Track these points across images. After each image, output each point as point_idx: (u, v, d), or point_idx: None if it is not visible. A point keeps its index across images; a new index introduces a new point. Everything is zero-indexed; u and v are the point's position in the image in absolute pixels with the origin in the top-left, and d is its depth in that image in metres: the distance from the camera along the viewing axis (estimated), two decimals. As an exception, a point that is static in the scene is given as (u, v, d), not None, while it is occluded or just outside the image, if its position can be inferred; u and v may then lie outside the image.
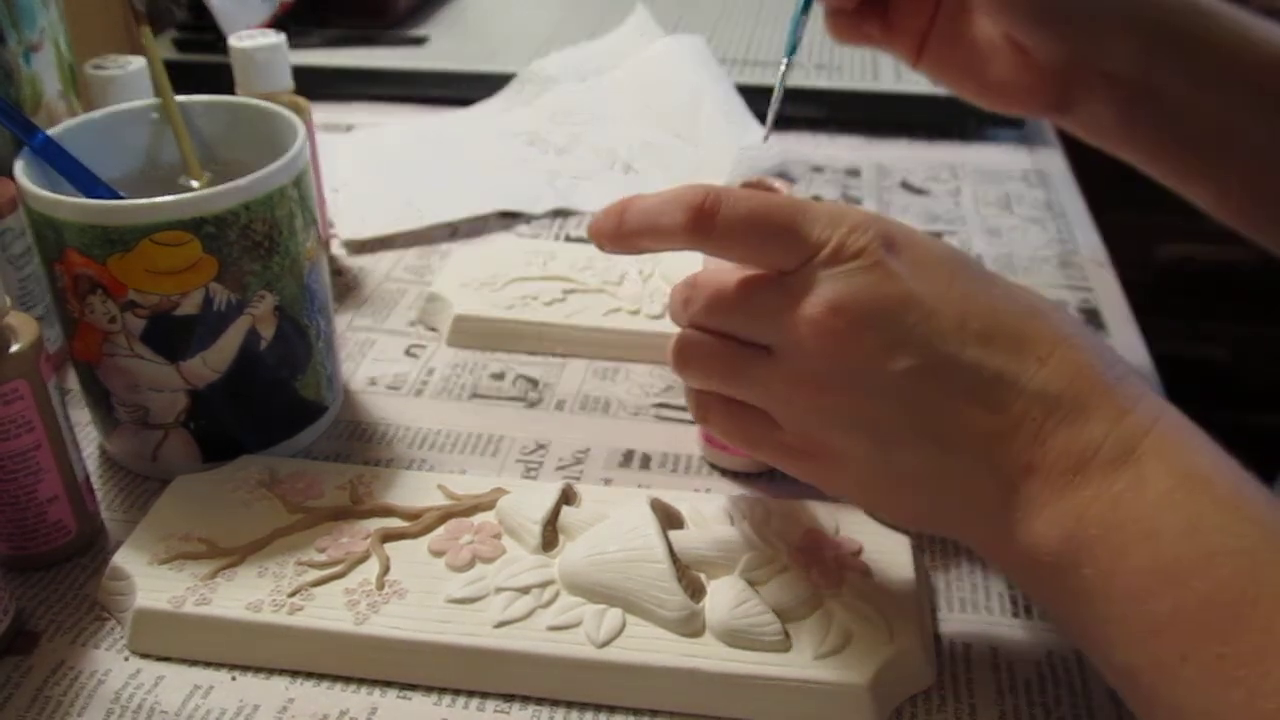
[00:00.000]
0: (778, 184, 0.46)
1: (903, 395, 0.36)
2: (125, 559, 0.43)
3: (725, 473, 0.50)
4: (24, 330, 0.42)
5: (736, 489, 0.49)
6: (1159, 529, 0.32)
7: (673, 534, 0.43)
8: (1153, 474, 0.33)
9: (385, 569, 0.42)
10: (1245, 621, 0.30)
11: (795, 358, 0.37)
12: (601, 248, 0.40)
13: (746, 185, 0.46)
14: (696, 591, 0.41)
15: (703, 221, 0.37)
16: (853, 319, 0.36)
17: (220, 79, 0.58)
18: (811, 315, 0.36)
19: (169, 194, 0.44)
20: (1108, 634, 0.33)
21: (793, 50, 0.53)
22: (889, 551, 0.43)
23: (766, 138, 0.56)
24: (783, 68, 0.53)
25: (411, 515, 0.45)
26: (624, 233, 0.39)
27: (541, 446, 0.52)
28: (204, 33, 0.89)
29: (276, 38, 0.59)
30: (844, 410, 0.37)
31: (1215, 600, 0.31)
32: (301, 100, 0.60)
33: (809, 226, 0.37)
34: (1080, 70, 0.47)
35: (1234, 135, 0.47)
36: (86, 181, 0.47)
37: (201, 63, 0.88)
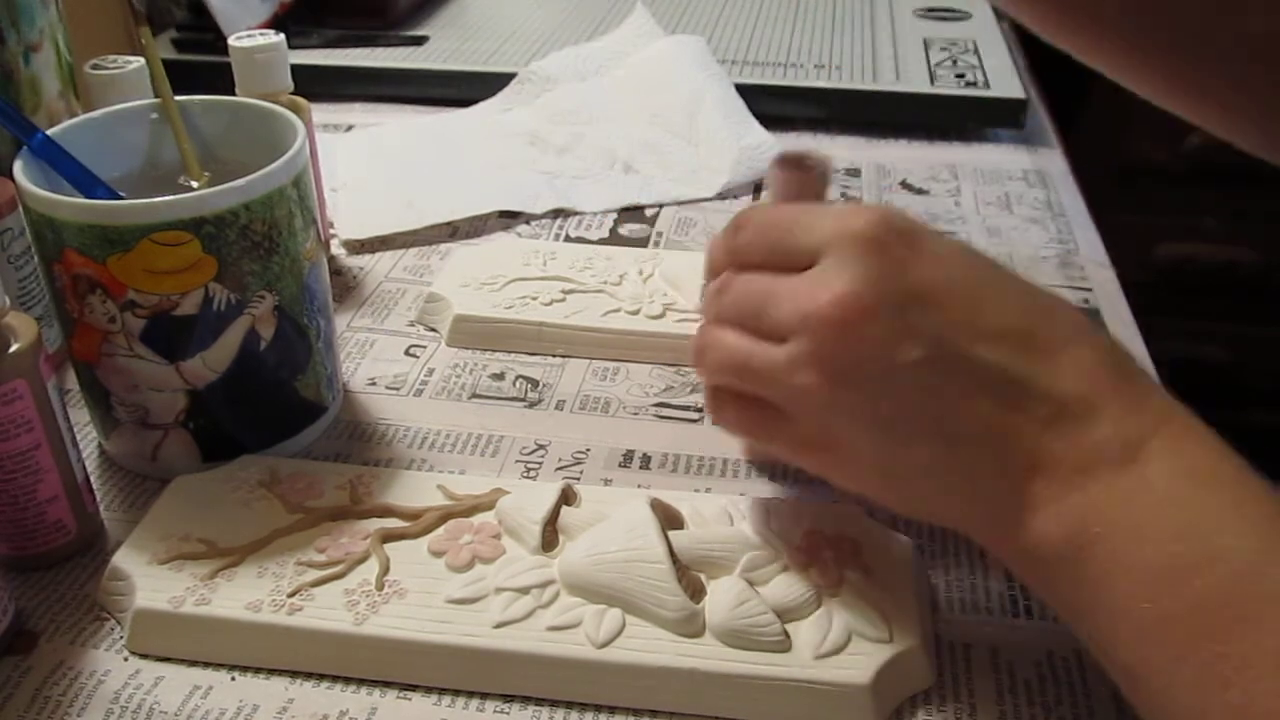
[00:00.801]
0: (811, 161, 0.45)
1: (911, 388, 0.36)
2: (125, 559, 0.43)
3: (726, 472, 0.50)
4: (23, 330, 0.42)
5: (736, 489, 0.49)
6: (1163, 529, 0.32)
7: (673, 534, 0.43)
8: (1158, 474, 0.33)
9: (385, 569, 0.42)
10: (1246, 622, 0.30)
11: (806, 349, 0.37)
12: None
13: (783, 159, 0.45)
14: (696, 591, 0.41)
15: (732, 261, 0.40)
16: (862, 310, 0.36)
17: (220, 79, 0.58)
18: (821, 306, 0.36)
19: (169, 194, 0.44)
20: (1110, 631, 0.33)
21: None
22: (889, 551, 0.43)
23: None
24: None
25: (411, 515, 0.45)
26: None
27: (541, 446, 0.52)
28: (204, 33, 0.89)
29: (276, 38, 0.59)
30: (853, 403, 0.37)
31: (1216, 600, 0.31)
32: (301, 100, 0.60)
33: (821, 221, 0.38)
34: None
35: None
36: (86, 181, 0.47)
37: (201, 63, 0.88)
